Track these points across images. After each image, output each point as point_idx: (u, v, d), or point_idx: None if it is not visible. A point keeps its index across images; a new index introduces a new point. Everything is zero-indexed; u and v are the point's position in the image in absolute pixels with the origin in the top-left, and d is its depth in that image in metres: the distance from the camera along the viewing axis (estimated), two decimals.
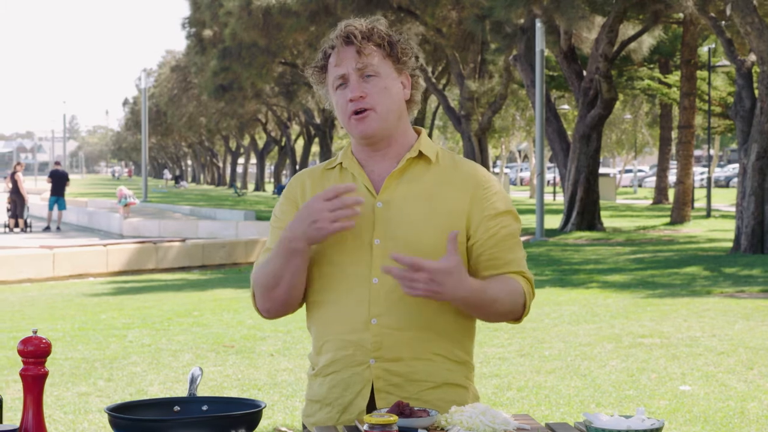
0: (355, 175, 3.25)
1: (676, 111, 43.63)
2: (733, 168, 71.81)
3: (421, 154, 3.25)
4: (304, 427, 3.40)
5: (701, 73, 38.49)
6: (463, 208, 3.20)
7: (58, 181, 35.79)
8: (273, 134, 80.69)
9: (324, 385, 3.28)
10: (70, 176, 38.85)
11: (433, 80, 41.14)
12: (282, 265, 3.15)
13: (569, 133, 35.79)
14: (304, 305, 3.34)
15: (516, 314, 3.21)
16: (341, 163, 3.30)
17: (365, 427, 2.73)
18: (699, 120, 42.67)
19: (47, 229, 35.84)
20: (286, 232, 3.13)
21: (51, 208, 36.26)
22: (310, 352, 3.38)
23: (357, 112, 3.18)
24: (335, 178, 3.29)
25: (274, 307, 3.24)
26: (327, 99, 3.30)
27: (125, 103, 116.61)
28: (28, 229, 35.06)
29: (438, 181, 3.23)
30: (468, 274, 3.04)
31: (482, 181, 3.25)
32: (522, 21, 30.80)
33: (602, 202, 36.45)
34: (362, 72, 3.17)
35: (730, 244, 22.95)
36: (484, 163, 39.11)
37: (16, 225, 35.12)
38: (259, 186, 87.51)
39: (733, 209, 29.45)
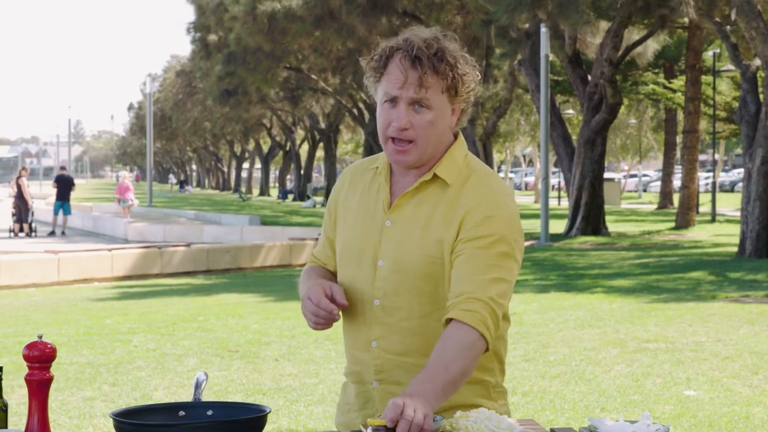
0: (381, 185, 3.25)
1: (680, 116, 43.59)
2: (738, 173, 71.72)
3: (435, 176, 3.17)
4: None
5: (706, 78, 38.47)
6: (450, 235, 3.11)
7: (64, 186, 35.87)
8: (278, 139, 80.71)
9: (350, 396, 3.35)
10: (75, 181, 38.95)
11: None
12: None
13: (574, 137, 35.79)
14: None
15: (482, 351, 3.04)
16: (377, 167, 3.31)
17: (369, 430, 2.73)
18: (704, 125, 42.65)
19: (52, 233, 35.97)
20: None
21: (56, 213, 36.40)
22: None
23: (396, 139, 3.13)
24: (367, 181, 3.30)
25: None
26: (372, 90, 3.23)
27: (130, 107, 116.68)
28: (33, 234, 35.15)
29: (441, 205, 3.15)
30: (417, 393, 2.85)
31: (479, 206, 3.11)
32: (527, 26, 30.80)
33: (607, 207, 36.37)
34: (415, 103, 3.10)
35: (735, 249, 22.93)
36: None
37: (21, 229, 35.23)
38: (264, 191, 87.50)
39: (738, 214, 29.43)
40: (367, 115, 52.94)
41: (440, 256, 3.12)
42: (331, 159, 63.98)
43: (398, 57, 3.11)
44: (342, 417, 3.38)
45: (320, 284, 3.17)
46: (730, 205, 50.52)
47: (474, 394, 3.23)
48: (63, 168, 38.42)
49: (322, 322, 3.12)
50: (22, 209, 35.41)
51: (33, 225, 35.75)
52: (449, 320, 3.01)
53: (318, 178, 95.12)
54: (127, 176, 41.95)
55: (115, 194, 42.43)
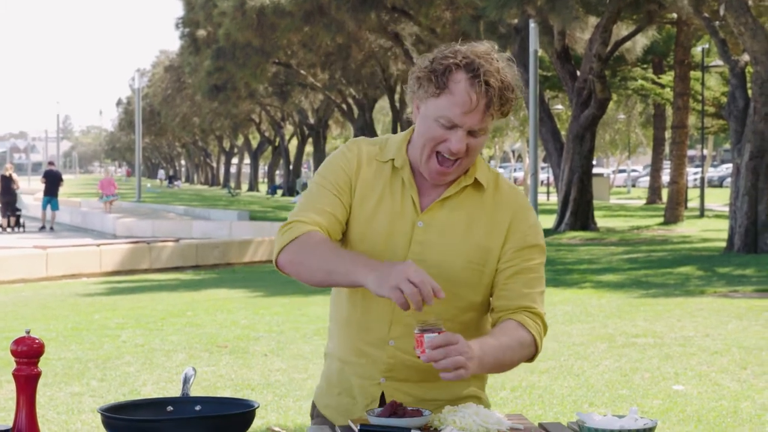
0: (405, 183, 3.15)
1: (669, 111, 43.63)
2: (727, 168, 71.87)
3: (475, 181, 3.16)
4: (315, 408, 3.39)
5: (695, 74, 38.54)
6: (498, 243, 3.14)
7: (53, 181, 35.98)
8: (267, 134, 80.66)
9: (343, 381, 3.29)
10: (64, 176, 39.15)
11: None
12: (340, 279, 2.99)
13: (563, 133, 35.84)
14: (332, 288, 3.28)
15: (527, 359, 3.14)
16: (393, 160, 3.19)
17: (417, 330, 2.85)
18: (692, 120, 42.72)
19: (42, 228, 36.07)
20: (376, 274, 2.85)
21: (44, 208, 36.43)
22: (329, 327, 3.38)
23: (445, 159, 3.05)
24: (386, 178, 3.17)
25: (294, 275, 3.11)
26: (413, 95, 3.10)
27: (119, 103, 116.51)
28: (21, 229, 35.17)
29: (481, 210, 3.15)
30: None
31: (519, 213, 3.17)
32: (516, 21, 30.81)
33: (596, 202, 36.43)
34: (475, 132, 3.03)
35: (724, 244, 22.97)
36: None
37: (8, 224, 35.25)
38: (253, 186, 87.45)
39: (727, 209, 29.50)
40: (356, 111, 52.93)
41: (482, 263, 3.13)
42: (320, 154, 63.93)
43: (463, 78, 2.98)
44: (329, 399, 3.33)
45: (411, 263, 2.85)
46: (719, 200, 50.62)
47: (478, 387, 3.31)
48: (51, 163, 38.51)
49: (414, 300, 2.76)
50: (8, 204, 35.46)
51: (21, 220, 35.80)
52: (507, 319, 3.10)
53: (307, 174, 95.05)
54: (110, 172, 42.28)
55: (98, 189, 42.79)
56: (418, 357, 2.85)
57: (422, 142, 3.07)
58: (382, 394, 3.19)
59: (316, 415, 3.37)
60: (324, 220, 3.12)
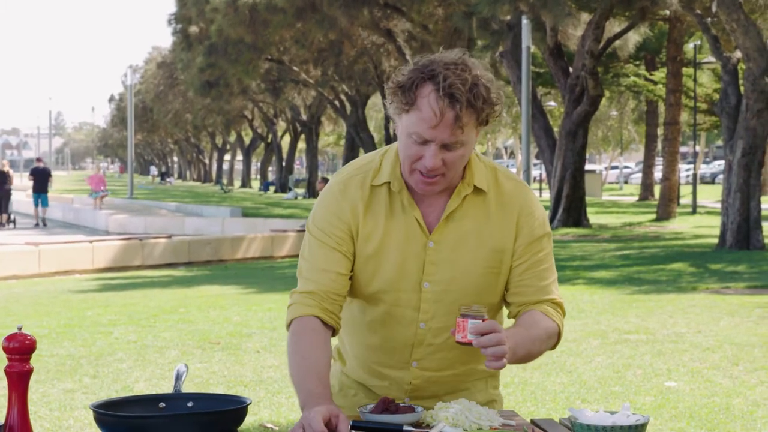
0: (405, 205, 3.09)
1: (662, 108, 43.69)
2: (719, 164, 71.94)
3: (475, 188, 3.10)
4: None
5: (687, 70, 38.56)
6: (510, 242, 3.11)
7: (41, 178, 36.08)
8: (259, 131, 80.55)
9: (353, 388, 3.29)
10: (56, 173, 39.37)
11: None
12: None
13: (555, 129, 35.85)
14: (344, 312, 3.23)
15: (551, 347, 3.16)
16: (389, 183, 3.09)
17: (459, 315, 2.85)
18: (685, 117, 42.74)
19: (36, 226, 36.44)
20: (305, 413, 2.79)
21: (36, 205, 36.70)
22: (343, 343, 3.35)
23: (424, 175, 2.97)
24: (385, 204, 3.09)
25: None
26: (390, 110, 3.01)
27: (111, 99, 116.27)
28: (12, 225, 35.35)
29: (487, 214, 3.10)
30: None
31: (525, 207, 3.13)
32: (508, 18, 30.80)
33: (588, 199, 36.45)
34: (449, 145, 2.93)
35: (716, 241, 23.00)
36: None
37: (9, 220, 35.53)
38: (246, 183, 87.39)
39: (719, 206, 29.52)
40: (348, 107, 52.88)
41: (497, 265, 3.11)
42: (312, 151, 63.86)
43: (428, 91, 2.89)
44: (342, 401, 3.31)
45: (321, 412, 2.75)
46: (711, 196, 50.68)
47: (492, 387, 3.34)
48: (39, 160, 38.72)
49: None
50: (3, 200, 35.64)
51: (12, 216, 36.05)
52: (531, 311, 3.11)
53: (300, 170, 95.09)
54: (100, 168, 42.60)
55: (88, 185, 43.09)
56: (457, 341, 2.84)
57: (402, 159, 3.01)
58: None
59: None
60: (329, 285, 3.07)
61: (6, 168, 35.96)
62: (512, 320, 3.17)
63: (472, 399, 3.17)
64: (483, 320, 2.83)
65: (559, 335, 3.12)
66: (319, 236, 3.10)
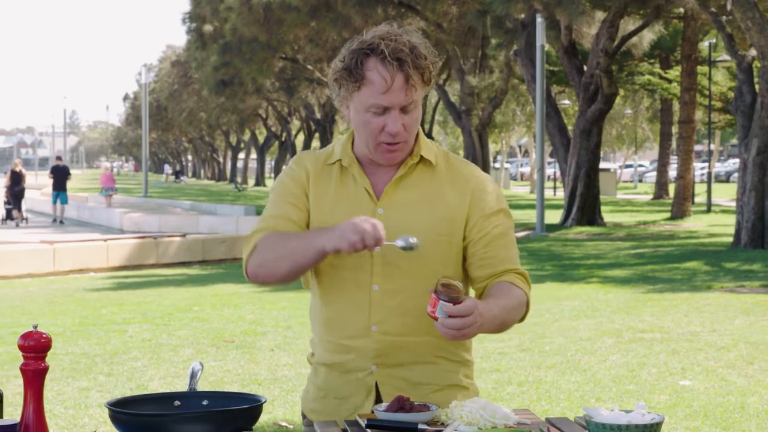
0: (356, 177, 3.22)
1: (676, 106, 43.56)
2: (734, 163, 71.80)
3: (422, 158, 3.23)
4: (304, 416, 3.39)
5: (702, 68, 38.45)
6: (462, 214, 3.21)
7: (60, 176, 36.97)
8: (273, 129, 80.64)
9: (329, 383, 3.29)
10: (71, 172, 40.18)
11: None
12: (304, 256, 3.06)
13: (570, 128, 35.78)
14: (309, 294, 3.35)
15: (521, 318, 3.21)
16: (341, 161, 3.24)
17: (434, 292, 2.88)
18: (699, 115, 42.63)
19: (54, 221, 37.19)
20: (329, 238, 2.99)
21: (54, 203, 37.57)
22: (312, 338, 3.39)
23: (390, 143, 3.13)
24: (336, 177, 3.23)
25: (264, 278, 3.17)
26: (339, 98, 3.16)
27: (125, 98, 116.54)
28: (25, 222, 36.07)
29: (437, 185, 3.22)
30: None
31: (478, 182, 3.25)
32: (523, 16, 30.79)
33: (602, 197, 36.46)
34: (406, 107, 3.09)
35: (731, 239, 22.95)
36: (485, 158, 39.12)
37: (22, 218, 36.26)
38: (260, 181, 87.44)
39: (734, 204, 29.47)
40: None
41: (448, 234, 3.19)
42: None
43: (374, 63, 3.06)
44: (315, 404, 3.33)
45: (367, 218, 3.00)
46: (726, 195, 50.57)
47: (464, 375, 3.33)
48: (59, 158, 39.44)
49: (360, 242, 2.93)
50: (17, 197, 36.39)
51: (25, 214, 36.91)
52: (499, 282, 3.18)
53: None
54: (108, 167, 43.66)
55: (100, 183, 43.88)
56: (429, 314, 2.90)
57: (364, 138, 3.16)
58: (376, 384, 3.20)
59: (305, 419, 3.38)
60: (279, 225, 3.19)
61: (19, 168, 36.72)
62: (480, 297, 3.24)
63: (438, 374, 3.24)
64: (455, 303, 2.85)
65: (527, 304, 3.20)
66: (275, 195, 3.28)
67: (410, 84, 3.06)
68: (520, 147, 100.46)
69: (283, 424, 7.34)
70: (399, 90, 3.05)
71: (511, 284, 3.17)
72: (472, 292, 3.29)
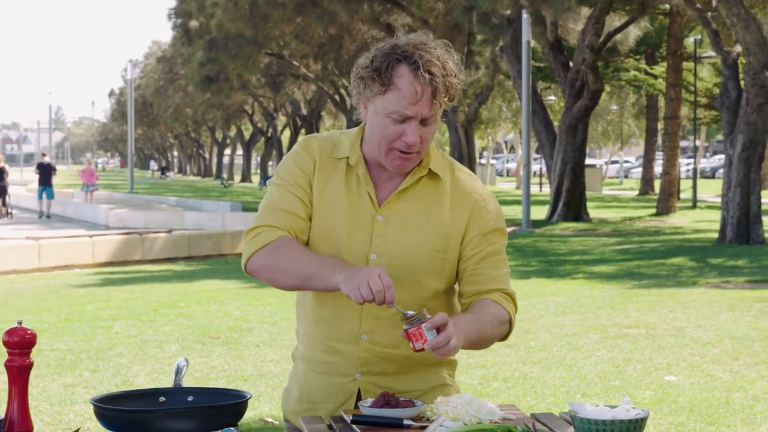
0: (361, 179, 3.19)
1: (662, 102, 43.67)
2: (719, 159, 71.95)
3: (430, 171, 3.21)
4: (287, 420, 3.38)
5: (687, 64, 38.54)
6: (460, 230, 3.20)
7: (45, 171, 37.36)
8: (259, 125, 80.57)
9: (311, 386, 3.28)
10: (57, 167, 40.85)
11: None
12: (316, 283, 3.05)
13: (555, 124, 35.85)
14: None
15: (503, 336, 3.21)
16: (348, 158, 3.21)
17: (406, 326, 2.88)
18: (685, 111, 42.75)
19: (41, 215, 37.82)
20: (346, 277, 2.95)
21: (40, 197, 38.17)
22: (297, 329, 3.38)
23: (403, 152, 3.10)
24: (341, 174, 3.20)
25: (264, 279, 3.15)
26: (359, 96, 3.15)
27: (111, 94, 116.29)
28: (10, 216, 36.58)
29: (439, 199, 3.21)
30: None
31: (480, 199, 3.24)
32: (508, 12, 30.80)
33: (588, 193, 36.46)
34: (426, 120, 3.08)
35: (716, 235, 23.00)
36: (471, 154, 39.14)
37: (7, 213, 36.81)
38: (246, 177, 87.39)
39: (719, 200, 29.50)
40: (348, 102, 52.85)
41: (443, 250, 3.19)
42: None
43: (406, 71, 3.04)
44: (292, 405, 3.34)
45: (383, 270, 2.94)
46: (711, 191, 50.67)
47: (448, 374, 3.34)
48: (44, 155, 40.20)
49: (370, 299, 2.89)
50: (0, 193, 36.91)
51: (10, 209, 37.39)
52: (483, 299, 3.19)
53: None
54: (91, 162, 44.34)
55: (81, 179, 44.33)
56: (417, 350, 2.87)
57: (377, 140, 3.13)
58: (359, 391, 3.20)
59: (287, 422, 3.38)
60: (290, 223, 3.16)
61: (2, 164, 37.20)
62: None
63: (422, 380, 3.25)
64: (424, 321, 2.86)
65: (510, 323, 3.20)
66: (280, 183, 3.22)
67: (436, 99, 3.05)
68: (506, 143, 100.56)
69: (269, 420, 7.33)
70: (425, 102, 3.04)
71: (493, 302, 3.17)
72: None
